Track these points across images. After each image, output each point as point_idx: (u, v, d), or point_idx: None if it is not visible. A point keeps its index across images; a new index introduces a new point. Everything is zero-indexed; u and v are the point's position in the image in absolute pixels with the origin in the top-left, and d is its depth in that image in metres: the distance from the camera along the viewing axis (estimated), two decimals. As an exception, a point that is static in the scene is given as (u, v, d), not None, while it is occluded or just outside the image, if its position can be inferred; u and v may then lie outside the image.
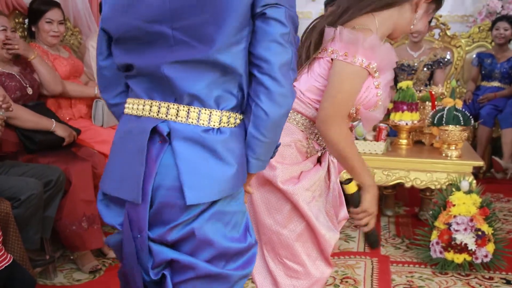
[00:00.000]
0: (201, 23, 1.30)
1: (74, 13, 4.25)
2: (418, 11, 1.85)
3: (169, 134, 1.37)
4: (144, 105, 1.42)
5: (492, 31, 5.33)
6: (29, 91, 3.25)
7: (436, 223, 3.19)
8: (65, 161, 3.12)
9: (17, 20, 3.69)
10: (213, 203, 1.38)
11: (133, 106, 1.45)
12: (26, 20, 3.68)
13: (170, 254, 1.40)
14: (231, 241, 1.42)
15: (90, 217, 3.09)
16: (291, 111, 1.83)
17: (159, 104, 1.39)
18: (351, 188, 1.85)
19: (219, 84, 1.36)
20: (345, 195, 1.91)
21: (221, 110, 1.38)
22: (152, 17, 1.33)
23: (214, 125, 1.37)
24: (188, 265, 1.41)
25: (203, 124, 1.36)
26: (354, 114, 1.87)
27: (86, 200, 3.08)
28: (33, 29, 3.58)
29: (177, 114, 1.37)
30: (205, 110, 1.36)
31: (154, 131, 1.38)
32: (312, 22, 1.92)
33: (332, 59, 1.77)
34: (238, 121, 1.41)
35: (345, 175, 1.88)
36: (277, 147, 1.48)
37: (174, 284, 1.44)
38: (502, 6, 5.71)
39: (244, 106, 1.42)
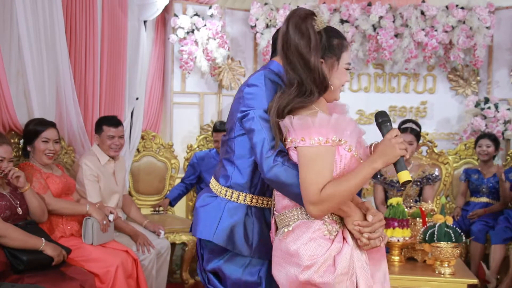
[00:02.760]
0: None
1: (68, 132, 4.34)
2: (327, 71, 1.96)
3: None
4: None
5: (475, 148, 5.47)
6: (19, 211, 3.25)
7: None
8: (53, 281, 3.06)
9: (12, 141, 3.76)
10: None
11: None
12: (21, 141, 3.76)
13: None
14: None
15: None
16: (299, 208, 1.94)
17: None
18: (405, 175, 1.89)
19: None
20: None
21: None
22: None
23: None
24: None
25: None
26: None
27: (73, 322, 2.99)
28: (28, 148, 3.66)
29: None
30: None
31: None
32: None
33: (295, 147, 1.86)
34: None
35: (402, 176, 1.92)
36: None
37: None
38: (486, 125, 5.90)
39: None
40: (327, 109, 2.00)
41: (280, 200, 1.99)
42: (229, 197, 2.12)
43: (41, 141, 3.62)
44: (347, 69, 1.99)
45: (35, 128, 3.64)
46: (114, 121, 4.28)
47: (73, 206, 3.68)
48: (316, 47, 1.90)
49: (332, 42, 1.95)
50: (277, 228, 2.05)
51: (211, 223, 2.11)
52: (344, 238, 1.93)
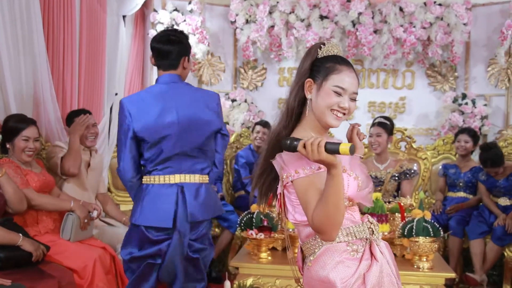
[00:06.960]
0: None
1: (46, 128, 4.29)
2: (308, 96, 1.98)
3: None
4: None
5: (454, 142, 5.54)
6: (-5, 203, 3.21)
7: (412, 338, 3.12)
8: (31, 278, 3.03)
9: (-11, 136, 3.70)
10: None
11: None
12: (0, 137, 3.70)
13: None
14: None
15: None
16: (316, 238, 1.95)
17: None
18: (345, 147, 1.71)
19: None
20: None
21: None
22: None
23: None
24: None
25: None
26: (350, 204, 1.98)
27: (51, 319, 2.96)
28: (7, 146, 3.58)
29: None
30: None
31: None
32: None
33: (291, 182, 1.87)
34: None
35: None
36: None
37: None
38: (463, 120, 5.96)
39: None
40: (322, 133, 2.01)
41: (303, 230, 1.99)
42: None
43: (21, 139, 3.53)
44: (336, 92, 1.93)
45: (16, 125, 3.55)
46: (84, 112, 4.25)
47: (57, 202, 3.65)
48: (300, 71, 2.00)
49: (324, 65, 1.97)
50: (303, 257, 2.08)
51: None
52: (372, 254, 1.97)
